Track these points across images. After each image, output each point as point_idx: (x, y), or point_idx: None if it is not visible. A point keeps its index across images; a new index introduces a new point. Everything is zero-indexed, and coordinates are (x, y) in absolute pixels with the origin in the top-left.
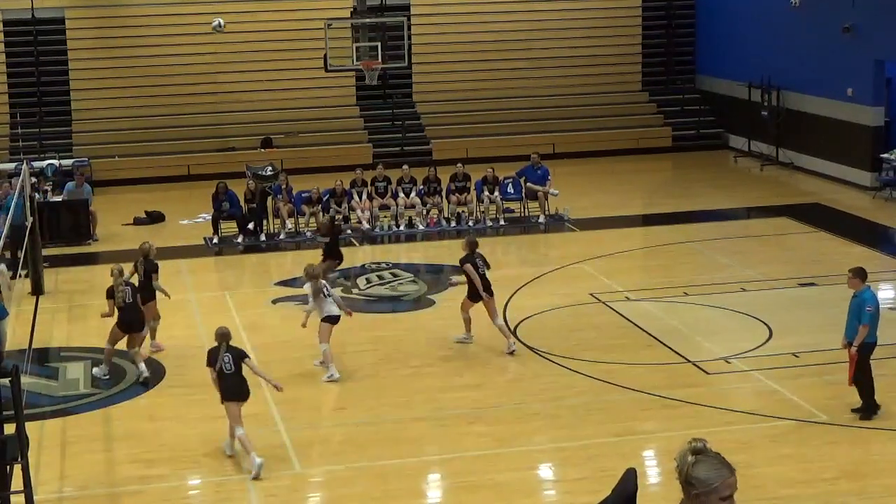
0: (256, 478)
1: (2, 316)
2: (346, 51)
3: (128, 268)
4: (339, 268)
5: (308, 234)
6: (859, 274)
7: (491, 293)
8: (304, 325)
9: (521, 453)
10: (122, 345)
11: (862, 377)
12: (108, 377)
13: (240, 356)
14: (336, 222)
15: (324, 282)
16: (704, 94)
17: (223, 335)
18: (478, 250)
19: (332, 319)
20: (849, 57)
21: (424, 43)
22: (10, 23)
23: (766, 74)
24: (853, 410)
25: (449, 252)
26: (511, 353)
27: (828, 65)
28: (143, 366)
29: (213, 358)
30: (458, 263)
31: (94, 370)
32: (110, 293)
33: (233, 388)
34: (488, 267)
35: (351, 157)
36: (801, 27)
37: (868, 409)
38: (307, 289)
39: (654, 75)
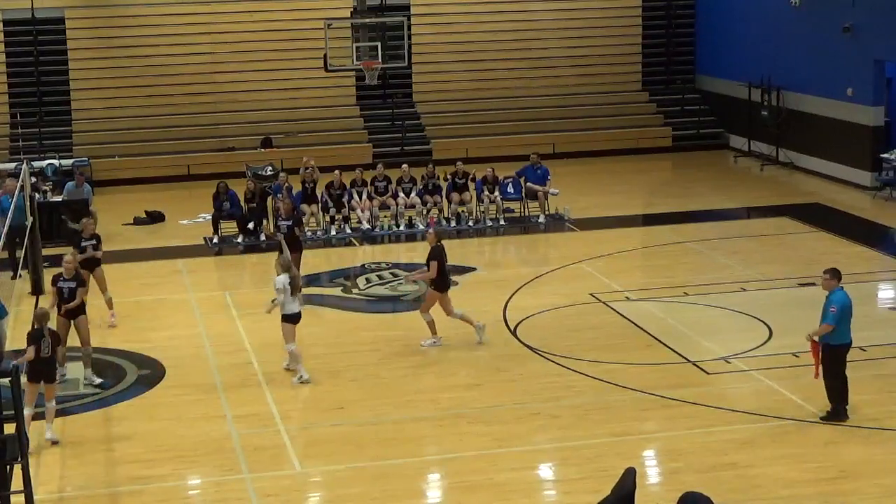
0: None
1: (1, 315)
2: (346, 51)
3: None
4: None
5: (308, 233)
6: (836, 275)
7: None
8: (268, 312)
9: (520, 453)
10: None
11: (835, 381)
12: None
13: (56, 342)
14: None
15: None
16: (704, 94)
17: (44, 316)
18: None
19: (293, 318)
20: (849, 57)
21: (424, 43)
22: (10, 23)
23: (766, 74)
24: (822, 418)
25: (449, 252)
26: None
27: (828, 65)
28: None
29: (36, 339)
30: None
31: (89, 378)
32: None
33: (46, 369)
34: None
35: (351, 157)
36: (801, 27)
37: (836, 413)
38: (282, 282)
39: (654, 75)
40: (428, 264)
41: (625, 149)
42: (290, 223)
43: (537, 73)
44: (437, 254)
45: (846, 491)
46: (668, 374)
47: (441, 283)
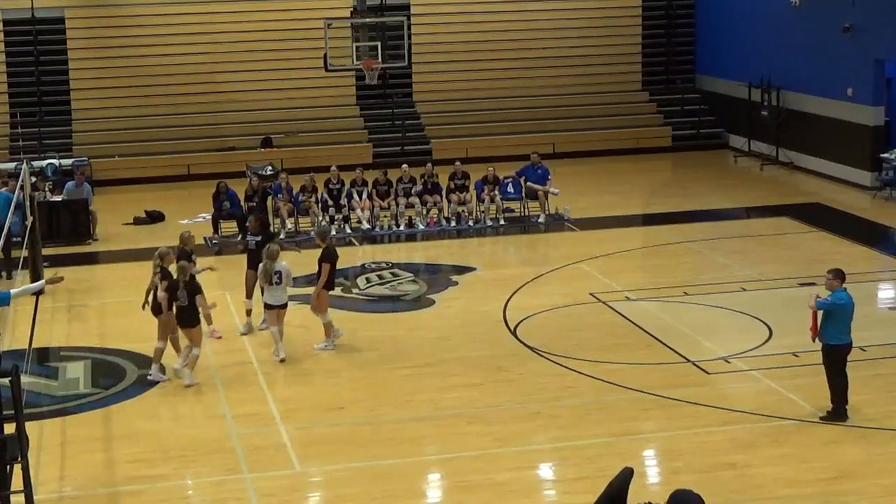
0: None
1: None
2: (346, 51)
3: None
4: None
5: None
6: (839, 275)
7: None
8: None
9: (520, 453)
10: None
11: (835, 380)
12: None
13: (194, 290)
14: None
15: (280, 267)
16: (704, 93)
17: (183, 268)
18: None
19: (268, 307)
20: (849, 57)
21: (424, 43)
22: (10, 23)
23: (766, 74)
24: (822, 418)
25: (449, 252)
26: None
27: (828, 65)
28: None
29: (173, 289)
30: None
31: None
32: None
33: (184, 316)
34: None
35: (351, 156)
36: (801, 27)
37: (836, 413)
38: (260, 268)
39: (654, 75)
40: (320, 266)
41: (624, 149)
42: (258, 239)
43: (537, 72)
44: (330, 255)
45: (846, 491)
46: (668, 374)
47: (328, 282)
